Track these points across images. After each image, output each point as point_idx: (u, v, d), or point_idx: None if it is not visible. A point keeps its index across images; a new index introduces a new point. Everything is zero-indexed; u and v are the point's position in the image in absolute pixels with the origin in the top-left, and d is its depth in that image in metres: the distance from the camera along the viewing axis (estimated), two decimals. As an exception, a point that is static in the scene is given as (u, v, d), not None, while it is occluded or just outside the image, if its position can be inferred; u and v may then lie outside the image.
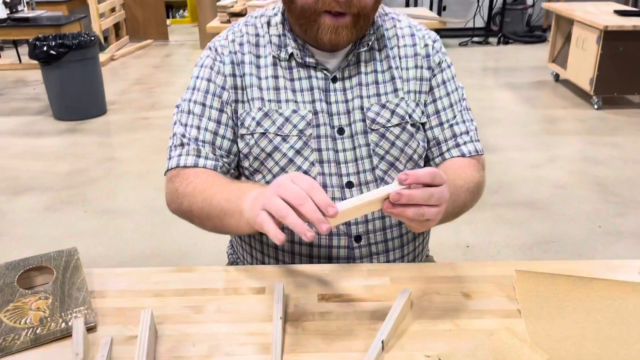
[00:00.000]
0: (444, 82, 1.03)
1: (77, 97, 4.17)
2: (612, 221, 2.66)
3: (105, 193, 3.06)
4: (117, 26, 6.79)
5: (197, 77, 1.00)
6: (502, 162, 3.32)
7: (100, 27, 6.03)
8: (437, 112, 1.02)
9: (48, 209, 2.89)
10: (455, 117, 1.02)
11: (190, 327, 0.75)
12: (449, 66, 1.05)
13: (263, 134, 0.95)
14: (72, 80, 4.11)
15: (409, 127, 0.99)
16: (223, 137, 0.97)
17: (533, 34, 6.67)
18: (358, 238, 0.97)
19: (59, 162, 3.50)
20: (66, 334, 0.73)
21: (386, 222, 0.98)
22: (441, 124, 1.02)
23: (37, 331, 0.73)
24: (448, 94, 1.02)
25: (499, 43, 6.61)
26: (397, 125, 0.98)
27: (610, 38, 3.95)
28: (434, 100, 1.02)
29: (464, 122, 1.03)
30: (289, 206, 0.67)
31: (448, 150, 1.01)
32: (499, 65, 5.82)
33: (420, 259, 1.08)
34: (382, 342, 0.70)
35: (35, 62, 4.14)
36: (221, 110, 0.96)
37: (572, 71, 4.49)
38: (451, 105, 1.02)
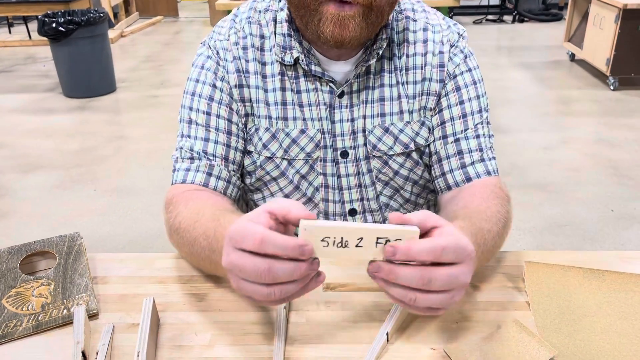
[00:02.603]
0: (458, 89, 0.88)
1: (86, 74, 4.16)
2: (625, 205, 2.62)
3: (115, 171, 3.06)
4: (126, 2, 6.74)
5: (198, 81, 0.88)
6: (514, 144, 3.27)
7: (110, 3, 5.98)
8: (443, 122, 0.88)
9: (57, 188, 2.90)
10: (466, 130, 0.87)
11: (192, 316, 0.74)
12: (469, 70, 0.89)
13: (270, 157, 0.89)
14: (82, 57, 4.09)
15: (413, 154, 0.90)
16: (236, 149, 0.88)
17: (549, 12, 6.54)
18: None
19: (69, 140, 3.51)
20: (68, 321, 0.72)
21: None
22: (444, 137, 0.88)
23: (39, 318, 0.72)
24: (462, 102, 0.88)
25: (513, 21, 6.49)
26: (400, 154, 0.89)
27: (629, 17, 3.85)
28: (441, 110, 0.88)
29: (476, 137, 0.87)
30: (263, 287, 0.55)
31: (451, 171, 0.87)
32: (513, 44, 5.71)
33: None
34: (387, 334, 0.68)
35: (45, 38, 4.13)
36: (230, 121, 0.88)
37: (589, 51, 4.40)
38: (464, 116, 0.87)
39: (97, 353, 0.66)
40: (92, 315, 0.74)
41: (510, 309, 0.75)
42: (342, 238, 0.55)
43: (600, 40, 4.17)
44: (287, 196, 0.92)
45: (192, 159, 0.87)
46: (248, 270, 0.55)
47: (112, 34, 5.66)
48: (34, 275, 0.80)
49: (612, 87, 4.15)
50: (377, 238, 0.55)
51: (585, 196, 2.71)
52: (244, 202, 1.00)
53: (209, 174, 0.86)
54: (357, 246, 0.55)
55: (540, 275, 0.79)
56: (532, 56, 5.19)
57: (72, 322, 0.71)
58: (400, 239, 0.55)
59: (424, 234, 0.58)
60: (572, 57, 4.95)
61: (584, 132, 3.47)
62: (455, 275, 0.55)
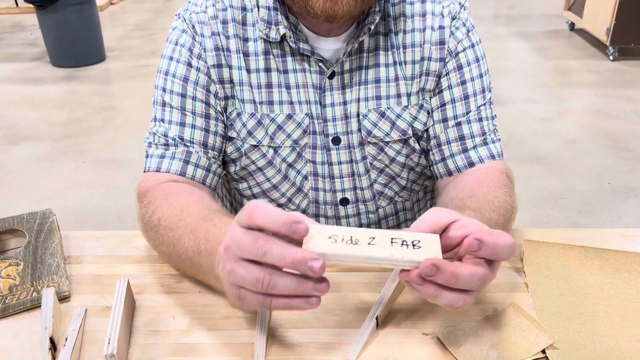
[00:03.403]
0: (460, 68, 0.80)
1: (74, 42, 4.05)
2: (622, 178, 2.58)
3: (104, 143, 3.00)
4: (116, -32, 6.56)
5: (172, 59, 0.80)
6: (511, 116, 3.22)
7: (99, -31, 5.81)
8: (443, 104, 0.81)
9: (45, 159, 2.84)
10: (468, 113, 0.81)
11: (171, 298, 0.70)
12: (472, 45, 0.81)
13: (255, 146, 0.82)
14: (69, 25, 3.98)
15: (410, 141, 0.83)
16: (215, 134, 0.80)
17: (548, -20, 6.40)
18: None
19: (57, 110, 3.43)
20: (37, 304, 0.68)
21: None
22: (444, 120, 0.81)
23: (6, 300, 0.68)
24: (463, 83, 0.81)
25: (512, -11, 6.35)
26: (397, 140, 0.82)
27: (630, -15, 3.76)
28: (441, 91, 0.81)
29: (479, 120, 0.81)
30: (260, 296, 0.51)
31: (452, 156, 0.81)
32: (511, 13, 5.60)
33: None
34: (377, 318, 0.64)
35: (32, 5, 4.00)
36: (207, 104, 0.79)
37: (589, 20, 4.31)
38: (466, 98, 0.81)
39: (65, 339, 0.61)
40: (63, 298, 0.69)
41: (507, 291, 0.71)
42: (351, 237, 0.50)
43: (601, 9, 4.08)
44: (275, 186, 0.86)
45: (167, 145, 0.79)
46: (245, 279, 0.50)
47: (100, 1, 5.51)
48: (2, 254, 0.75)
49: (611, 58, 4.08)
50: (392, 238, 0.50)
51: (582, 169, 2.67)
52: (227, 191, 0.94)
53: (186, 162, 0.78)
54: (369, 244, 0.50)
55: (539, 254, 0.75)
56: (530, 25, 5.09)
57: (41, 306, 0.66)
58: (417, 239, 0.51)
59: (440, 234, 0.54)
60: (572, 26, 4.85)
61: (581, 103, 3.41)
62: (488, 276, 0.53)
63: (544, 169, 2.67)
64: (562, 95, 3.53)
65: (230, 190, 0.92)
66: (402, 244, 0.50)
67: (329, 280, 0.51)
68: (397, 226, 0.92)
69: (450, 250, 0.55)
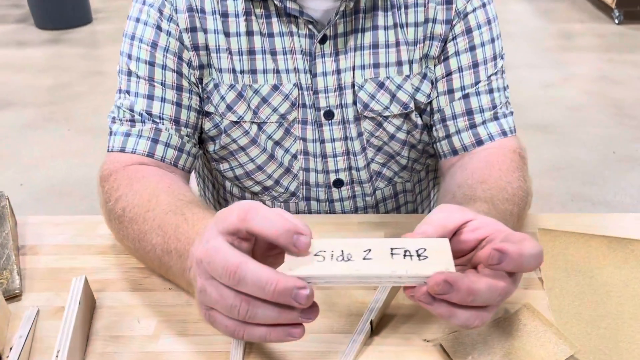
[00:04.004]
0: (469, 31, 0.71)
1: (59, 3, 3.89)
2: (627, 147, 2.50)
3: (91, 110, 2.89)
4: None
5: (138, 21, 0.70)
6: (513, 82, 3.09)
7: None
8: (449, 74, 0.71)
9: (29, 126, 2.73)
10: (477, 84, 0.71)
11: (136, 297, 0.61)
12: (483, 5, 0.72)
13: (236, 122, 0.72)
14: (52, -15, 3.80)
15: (412, 115, 0.74)
16: (189, 108, 0.70)
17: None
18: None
19: (42, 75, 3.30)
20: (-18, 305, 0.59)
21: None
22: (450, 92, 0.72)
23: (-53, 300, 0.59)
24: (472, 48, 0.71)
25: (515, -51, 6.13)
26: (397, 115, 0.73)
27: (640, -57, 3.59)
28: (447, 58, 0.71)
29: (489, 92, 0.72)
30: (234, 322, 0.42)
31: (458, 132, 0.72)
32: (514, -26, 5.41)
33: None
34: (371, 322, 0.56)
35: (12, -36, 3.82)
36: (179, 74, 0.69)
37: (594, -19, 4.14)
38: (475, 66, 0.71)
39: (10, 349, 0.53)
40: (13, 296, 0.61)
41: (519, 289, 0.62)
42: (342, 251, 0.40)
43: (608, -31, 3.92)
44: (259, 168, 0.76)
45: (132, 121, 0.69)
46: (221, 305, 0.41)
47: (87, -40, 5.28)
48: (-54, 245, 0.66)
49: (616, 21, 3.94)
50: (392, 248, 0.41)
51: (586, 137, 2.58)
52: (208, 170, 0.84)
53: (155, 141, 0.68)
54: (364, 259, 0.41)
55: (555, 245, 0.66)
56: (534, -13, 4.91)
57: (-14, 307, 0.58)
58: (422, 248, 0.42)
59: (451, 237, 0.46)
60: (576, -12, 4.68)
61: (586, 68, 3.30)
62: (509, 290, 0.44)
63: (546, 138, 2.58)
64: (566, 60, 3.41)
65: (212, 171, 0.82)
66: (405, 255, 0.41)
67: (318, 306, 0.42)
68: (396, 209, 0.83)
69: (462, 256, 0.46)
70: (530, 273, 0.64)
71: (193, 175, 0.89)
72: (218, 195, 0.84)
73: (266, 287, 0.38)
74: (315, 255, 0.40)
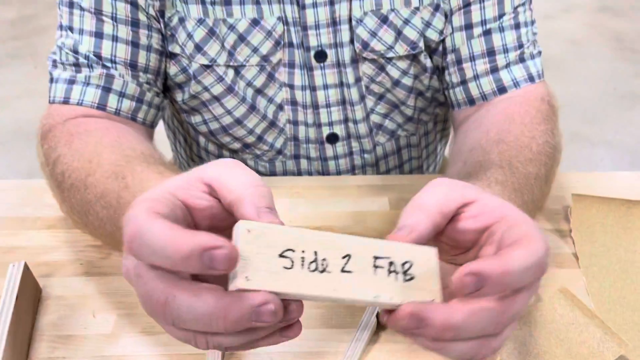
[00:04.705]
0: None
1: None
2: (629, 82, 2.39)
3: (59, 45, 2.69)
4: None
5: None
6: (510, 12, 2.94)
7: None
8: (467, 4, 0.58)
9: (-6, 64, 2.54)
10: (501, 17, 0.58)
11: (91, 283, 0.51)
12: None
13: (207, 66, 0.59)
14: None
15: (421, 56, 0.61)
16: (148, 48, 0.57)
17: None
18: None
19: (3, 7, 3.06)
20: None
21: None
22: (468, 27, 0.59)
23: None
24: None
25: None
26: (404, 56, 0.60)
27: None
28: None
29: (515, 27, 0.59)
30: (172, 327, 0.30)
31: (476, 78, 0.59)
32: None
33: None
34: (377, 315, 0.46)
35: None
36: (134, 4, 0.55)
37: None
38: None
39: None
40: (-60, 286, 0.50)
41: (551, 267, 0.52)
42: (315, 253, 0.29)
43: None
44: (238, 121, 0.63)
45: (77, 65, 0.56)
46: (140, 296, 0.29)
47: None
48: None
49: (619, -54, 3.72)
50: (375, 258, 0.30)
51: (586, 73, 2.46)
52: (179, 123, 0.71)
53: (106, 90, 0.55)
54: (343, 271, 0.29)
55: (592, 214, 0.56)
56: None
57: None
58: (409, 262, 0.31)
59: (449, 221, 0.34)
60: None
61: (586, -2, 3.13)
62: (516, 312, 0.31)
63: (545, 74, 2.45)
64: (565, -11, 3.23)
65: (182, 123, 0.70)
66: (390, 272, 0.30)
67: (300, 321, 0.31)
68: (399, 167, 0.71)
69: (462, 253, 0.35)
70: (562, 246, 0.54)
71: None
72: (191, 152, 0.72)
73: (214, 324, 0.27)
74: (282, 256, 0.29)
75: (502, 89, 0.59)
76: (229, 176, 0.31)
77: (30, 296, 0.48)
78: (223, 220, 0.32)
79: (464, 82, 0.60)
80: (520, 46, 0.59)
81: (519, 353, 0.44)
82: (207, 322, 0.27)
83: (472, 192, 0.34)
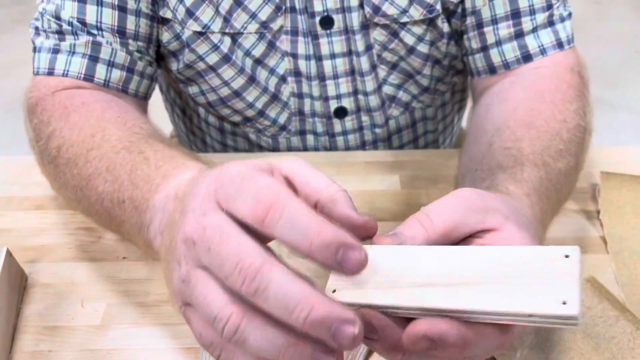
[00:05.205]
0: None
1: None
2: (652, 45, 2.29)
3: (63, 8, 2.63)
4: None
5: None
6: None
7: None
8: None
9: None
10: None
11: (81, 269, 0.48)
12: None
13: (201, 33, 0.54)
14: None
15: (439, 22, 0.56)
16: (137, 14, 0.52)
17: None
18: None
19: (7, -31, 2.99)
20: None
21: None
22: None
23: None
24: None
25: None
26: (419, 21, 0.55)
27: None
28: None
29: None
30: (213, 337, 0.28)
31: (498, 44, 0.54)
32: None
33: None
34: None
35: None
36: None
37: None
38: None
39: None
40: None
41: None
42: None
43: None
44: (237, 93, 0.58)
45: (60, 32, 0.51)
46: (202, 309, 0.27)
47: None
48: None
49: None
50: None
51: (607, 34, 2.36)
52: (176, 93, 0.66)
53: (94, 59, 0.51)
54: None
55: (623, 193, 0.51)
56: None
57: None
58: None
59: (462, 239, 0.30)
60: None
61: (609, -46, 2.99)
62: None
63: (565, 35, 2.37)
64: (587, -54, 3.09)
65: (180, 93, 0.65)
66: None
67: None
68: (414, 142, 0.66)
69: None
70: (589, 229, 0.50)
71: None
72: (191, 124, 0.68)
73: (295, 310, 0.24)
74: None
75: (527, 57, 0.53)
76: (312, 175, 0.30)
77: (15, 285, 0.45)
78: None
79: (484, 48, 0.55)
80: (550, 7, 0.53)
81: (541, 349, 0.41)
82: (290, 305, 0.25)
83: (495, 218, 0.30)
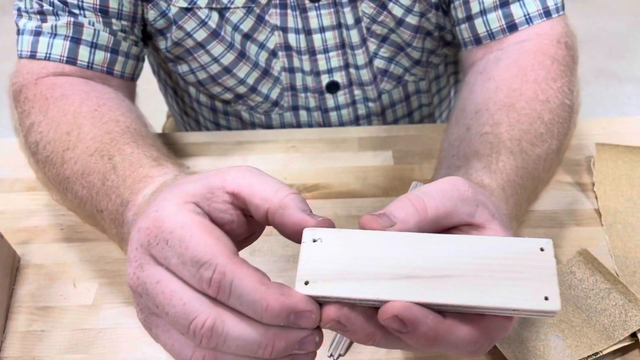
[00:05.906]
0: None
1: None
2: (660, 14, 2.25)
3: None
4: None
5: None
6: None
7: None
8: None
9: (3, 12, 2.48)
10: None
11: (72, 250, 0.48)
12: None
13: (188, 9, 0.53)
14: None
15: None
16: None
17: None
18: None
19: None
20: None
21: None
22: None
23: None
24: None
25: None
26: None
27: None
28: None
29: None
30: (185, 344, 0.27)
31: (483, 13, 0.52)
32: None
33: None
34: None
35: None
36: None
37: None
38: None
39: None
40: None
41: (569, 224, 0.48)
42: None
43: None
44: (227, 70, 0.57)
45: (42, 13, 0.50)
46: (171, 313, 0.26)
47: None
48: None
49: None
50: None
51: (613, 4, 2.32)
52: (166, 74, 0.65)
53: (75, 40, 0.50)
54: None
55: (618, 166, 0.51)
56: None
57: None
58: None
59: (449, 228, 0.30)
60: None
61: None
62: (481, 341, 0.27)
63: (568, 6, 2.30)
64: None
65: (170, 73, 0.64)
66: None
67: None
68: (408, 116, 0.65)
69: None
70: (584, 202, 0.50)
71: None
72: (183, 104, 0.67)
73: (259, 352, 0.26)
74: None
75: (512, 27, 0.52)
76: (259, 184, 0.28)
77: (7, 266, 0.45)
78: (237, 237, 0.29)
79: (469, 17, 0.53)
80: None
81: (532, 323, 0.41)
82: (253, 349, 0.25)
83: (483, 214, 0.29)
